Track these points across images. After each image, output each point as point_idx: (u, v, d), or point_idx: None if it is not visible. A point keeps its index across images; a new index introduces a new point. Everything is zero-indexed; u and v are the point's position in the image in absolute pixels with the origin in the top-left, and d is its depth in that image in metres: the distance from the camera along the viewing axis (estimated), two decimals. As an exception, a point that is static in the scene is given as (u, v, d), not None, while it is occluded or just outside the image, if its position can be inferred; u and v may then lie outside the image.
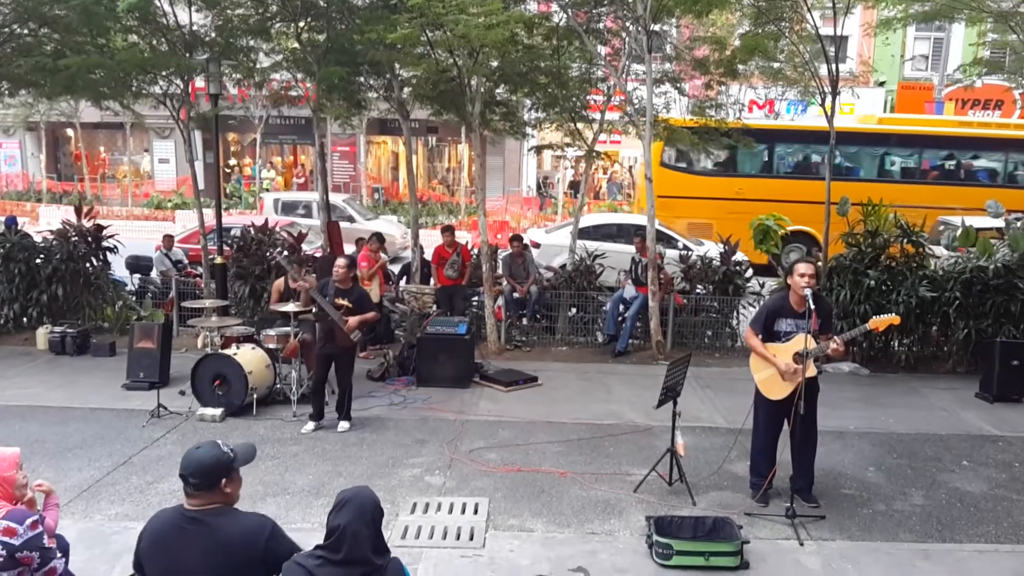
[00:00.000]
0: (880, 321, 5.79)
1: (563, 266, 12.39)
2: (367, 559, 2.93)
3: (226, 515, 3.10)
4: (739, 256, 11.46)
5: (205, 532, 3.04)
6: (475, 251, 11.20)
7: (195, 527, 3.06)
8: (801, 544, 5.42)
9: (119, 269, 12.21)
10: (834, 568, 5.17)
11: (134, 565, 3.19)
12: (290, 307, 7.85)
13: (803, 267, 5.81)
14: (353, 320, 7.32)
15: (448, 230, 11.26)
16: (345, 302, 7.36)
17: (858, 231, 10.13)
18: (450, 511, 5.85)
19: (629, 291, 10.60)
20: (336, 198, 19.15)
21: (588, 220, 15.14)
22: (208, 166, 25.24)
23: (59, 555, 3.54)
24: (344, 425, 7.48)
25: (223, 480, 3.10)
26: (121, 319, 10.94)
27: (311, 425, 7.47)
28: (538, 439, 7.37)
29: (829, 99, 10.41)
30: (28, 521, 3.32)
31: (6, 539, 3.25)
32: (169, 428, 7.47)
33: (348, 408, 7.55)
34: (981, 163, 17.20)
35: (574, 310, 11.20)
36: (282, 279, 8.94)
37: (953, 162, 17.11)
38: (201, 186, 13.74)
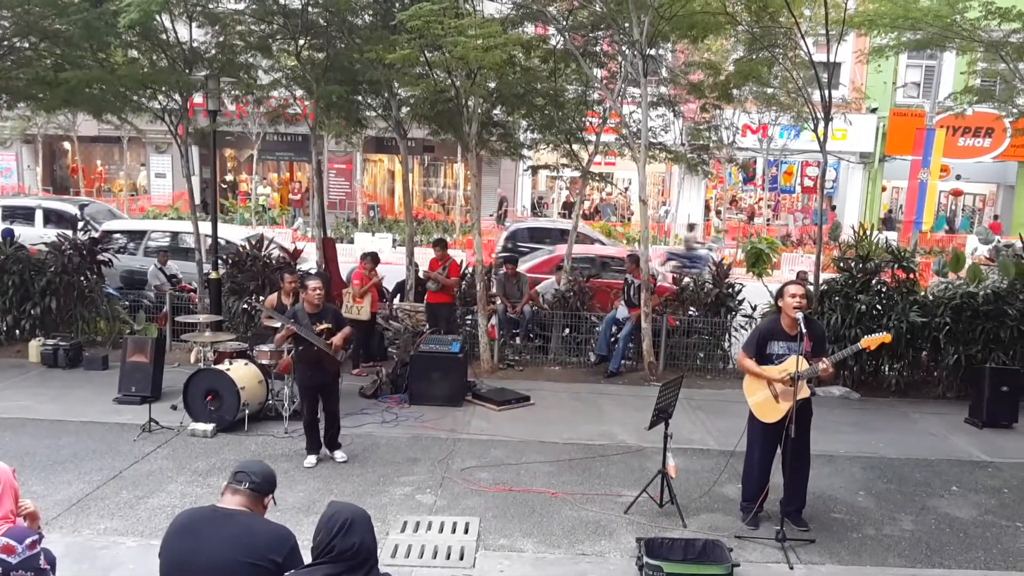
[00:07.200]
0: (872, 340, 5.82)
1: None
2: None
3: (256, 519, 3.31)
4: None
5: (235, 526, 3.20)
6: (469, 269, 11.19)
7: (226, 520, 3.21)
8: (791, 568, 5.43)
9: (113, 282, 12.21)
10: (823, 592, 5.19)
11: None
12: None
13: (793, 288, 5.85)
14: (337, 339, 7.09)
15: (439, 243, 11.01)
16: (325, 324, 7.10)
17: (849, 256, 10.21)
18: (441, 530, 5.84)
19: (622, 312, 10.64)
20: None
21: None
22: (205, 181, 25.28)
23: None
24: (341, 455, 7.20)
25: (271, 495, 3.40)
26: (114, 333, 10.94)
27: (312, 459, 7.14)
28: (530, 459, 7.38)
29: (822, 125, 10.52)
30: (27, 541, 3.34)
31: (3, 556, 3.26)
32: (160, 443, 7.45)
33: (337, 435, 7.31)
34: None
35: (567, 330, 11.22)
36: (275, 295, 8.96)
37: None
38: (197, 201, 13.76)
